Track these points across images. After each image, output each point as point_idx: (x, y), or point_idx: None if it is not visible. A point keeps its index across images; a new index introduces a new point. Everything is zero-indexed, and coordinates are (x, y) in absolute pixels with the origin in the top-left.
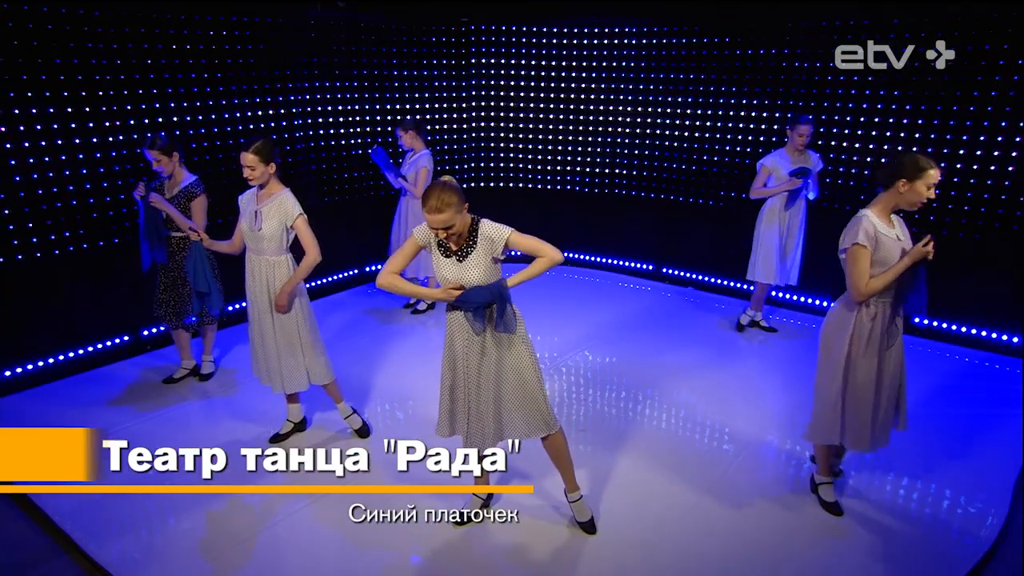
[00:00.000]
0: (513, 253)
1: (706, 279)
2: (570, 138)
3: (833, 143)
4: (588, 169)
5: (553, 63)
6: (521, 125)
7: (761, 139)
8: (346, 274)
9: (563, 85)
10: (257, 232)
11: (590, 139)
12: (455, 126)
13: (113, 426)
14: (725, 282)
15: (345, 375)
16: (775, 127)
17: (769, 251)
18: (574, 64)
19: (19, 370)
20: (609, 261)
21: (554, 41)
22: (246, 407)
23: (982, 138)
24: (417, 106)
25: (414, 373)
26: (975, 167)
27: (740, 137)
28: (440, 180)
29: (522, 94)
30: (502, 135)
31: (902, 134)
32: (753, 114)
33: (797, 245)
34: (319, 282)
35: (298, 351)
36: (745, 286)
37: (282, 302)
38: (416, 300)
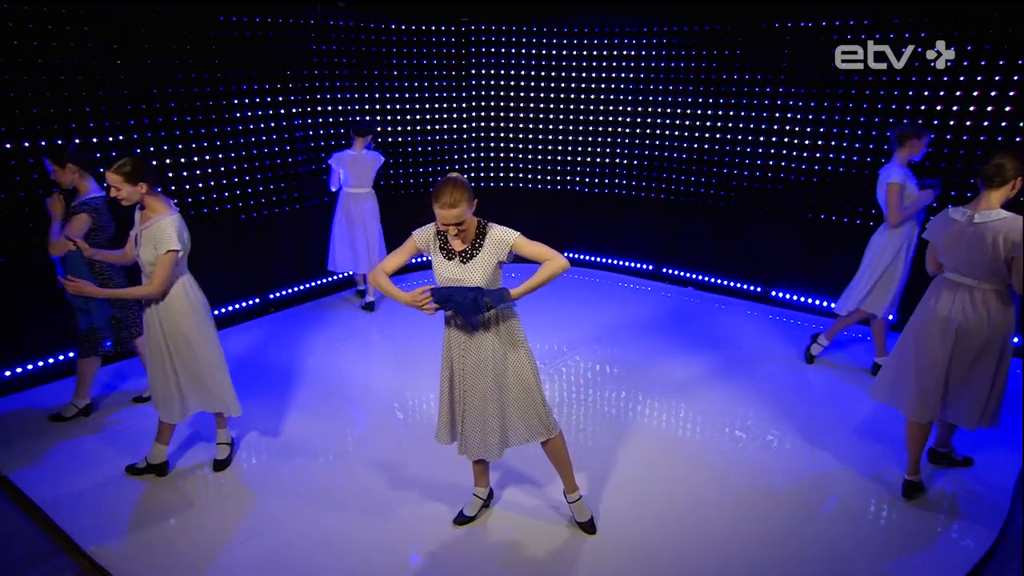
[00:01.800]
0: None
1: (706, 279)
2: (570, 138)
3: (833, 143)
4: (588, 169)
5: (553, 63)
6: (521, 125)
7: (761, 139)
8: (346, 274)
9: (563, 85)
10: (137, 256)
11: (590, 139)
12: (455, 126)
13: (113, 426)
14: (725, 282)
15: (342, 375)
16: (775, 127)
17: (901, 281)
18: (574, 64)
19: (19, 370)
20: (609, 261)
21: (554, 41)
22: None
23: (982, 138)
24: (417, 106)
25: (406, 375)
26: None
27: (740, 137)
28: (450, 177)
29: (522, 94)
30: (502, 135)
31: None
32: (753, 114)
33: (908, 267)
34: (318, 282)
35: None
36: (745, 286)
37: (78, 289)
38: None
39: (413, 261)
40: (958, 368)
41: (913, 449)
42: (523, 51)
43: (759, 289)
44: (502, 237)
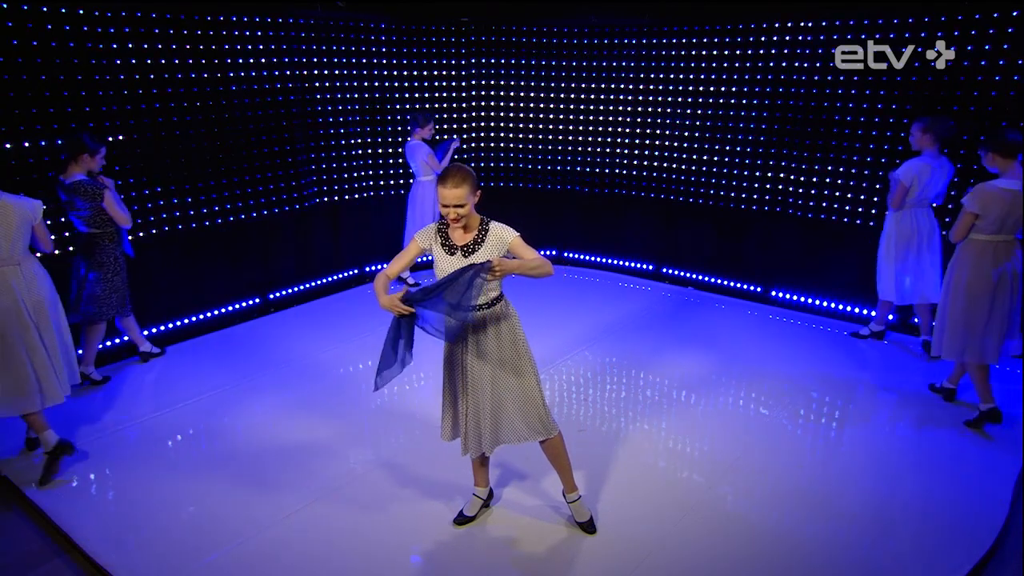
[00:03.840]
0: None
1: (706, 279)
2: (570, 138)
3: (833, 143)
4: (588, 169)
5: (553, 63)
6: (521, 125)
7: (761, 139)
8: (346, 274)
9: (563, 85)
10: None
11: (590, 139)
12: (455, 126)
13: (113, 428)
14: (725, 282)
15: (342, 374)
16: (775, 127)
17: None
18: (574, 64)
19: None
20: (609, 261)
21: (554, 41)
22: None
23: (982, 138)
24: (417, 106)
25: (407, 375)
26: (975, 167)
27: (740, 137)
28: (455, 164)
29: (522, 94)
30: (502, 135)
31: (902, 134)
32: (753, 114)
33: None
34: (319, 282)
35: None
36: (745, 286)
37: None
38: None
39: (419, 260)
40: (1003, 311)
41: (982, 385)
42: (523, 51)
43: (759, 289)
44: (502, 235)
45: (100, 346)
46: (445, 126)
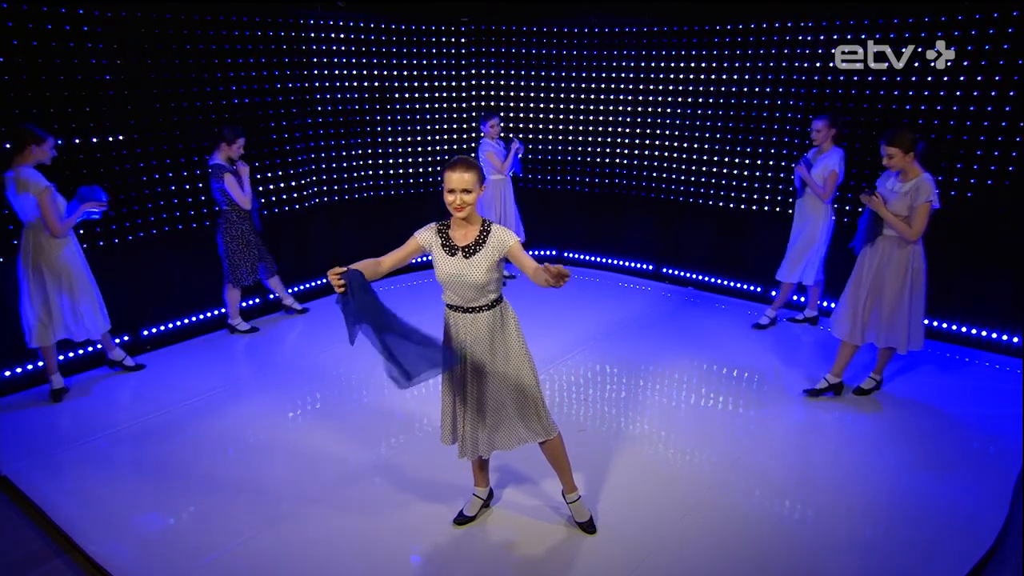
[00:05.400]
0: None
1: (706, 279)
2: (570, 138)
3: None
4: (588, 169)
5: (553, 63)
6: (521, 125)
7: (761, 139)
8: None
9: (563, 85)
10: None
11: (590, 139)
12: (455, 126)
13: (114, 428)
14: (725, 282)
15: (341, 375)
16: (775, 127)
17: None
18: (574, 64)
19: (19, 370)
20: (609, 261)
21: (554, 41)
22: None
23: (982, 138)
24: (417, 106)
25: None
26: (975, 167)
27: (740, 137)
28: (462, 154)
29: (522, 94)
30: (502, 135)
31: None
32: (753, 114)
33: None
34: (320, 282)
35: None
36: (745, 286)
37: None
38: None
39: (415, 261)
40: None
41: (844, 357)
42: (523, 51)
43: (759, 289)
44: (503, 238)
45: (100, 345)
46: (444, 126)
